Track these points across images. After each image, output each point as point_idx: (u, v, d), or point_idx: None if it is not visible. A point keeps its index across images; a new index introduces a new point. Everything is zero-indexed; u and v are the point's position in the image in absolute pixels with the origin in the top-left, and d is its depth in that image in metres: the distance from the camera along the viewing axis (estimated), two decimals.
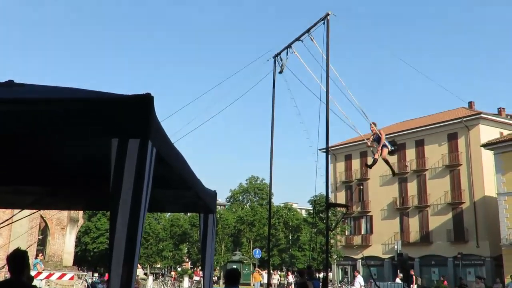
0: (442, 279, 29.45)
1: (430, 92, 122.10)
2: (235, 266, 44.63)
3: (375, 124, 14.63)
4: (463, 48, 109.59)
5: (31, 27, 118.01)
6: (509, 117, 51.58)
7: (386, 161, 14.93)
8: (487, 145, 41.32)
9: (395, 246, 34.75)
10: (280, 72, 17.34)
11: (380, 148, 14.21)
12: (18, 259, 4.07)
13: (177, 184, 3.76)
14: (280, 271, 59.88)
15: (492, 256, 43.28)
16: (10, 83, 3.01)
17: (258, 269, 39.09)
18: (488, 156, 43.04)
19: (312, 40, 16.38)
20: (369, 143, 14.76)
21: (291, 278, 31.87)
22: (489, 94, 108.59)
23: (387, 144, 14.13)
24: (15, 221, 16.83)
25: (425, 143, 50.51)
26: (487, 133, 45.49)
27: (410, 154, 51.76)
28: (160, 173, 2.82)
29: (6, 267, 4.14)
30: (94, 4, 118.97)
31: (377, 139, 14.36)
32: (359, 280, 25.32)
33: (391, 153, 14.48)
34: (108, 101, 2.43)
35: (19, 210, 6.25)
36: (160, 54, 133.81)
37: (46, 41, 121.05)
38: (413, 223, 50.66)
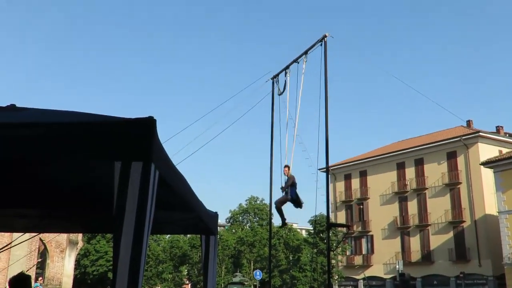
0: None
1: (428, 111, 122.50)
2: None
3: (288, 168, 14.13)
4: (461, 67, 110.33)
5: (26, 56, 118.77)
6: (507, 135, 51.74)
7: (279, 208, 14.41)
8: (487, 163, 41.35)
9: (397, 266, 34.57)
10: (280, 94, 17.44)
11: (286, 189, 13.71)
12: (20, 284, 4.06)
13: (179, 206, 3.76)
14: None
15: (494, 275, 42.96)
16: (12, 107, 3.04)
17: None
18: (487, 174, 43.03)
19: (304, 63, 16.53)
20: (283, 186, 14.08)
21: None
22: (487, 113, 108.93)
23: (289, 191, 13.54)
24: (15, 245, 16.74)
25: (425, 162, 50.53)
26: (486, 151, 45.58)
27: (410, 173, 51.75)
28: (162, 195, 2.83)
29: None
30: (93, 28, 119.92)
31: (289, 183, 13.72)
32: None
33: (292, 201, 13.84)
34: (111, 124, 2.44)
35: (20, 234, 6.23)
36: (159, 77, 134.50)
37: (47, 66, 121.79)
38: (414, 242, 50.40)
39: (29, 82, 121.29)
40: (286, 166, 14.20)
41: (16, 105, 3.03)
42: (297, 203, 13.75)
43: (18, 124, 2.48)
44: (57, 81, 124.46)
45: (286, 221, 15.09)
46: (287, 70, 17.74)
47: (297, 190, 13.63)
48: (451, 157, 48.41)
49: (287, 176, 13.71)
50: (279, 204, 13.95)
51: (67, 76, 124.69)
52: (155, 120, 2.43)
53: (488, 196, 44.14)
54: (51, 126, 2.45)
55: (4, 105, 3.04)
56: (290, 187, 13.42)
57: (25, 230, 6.45)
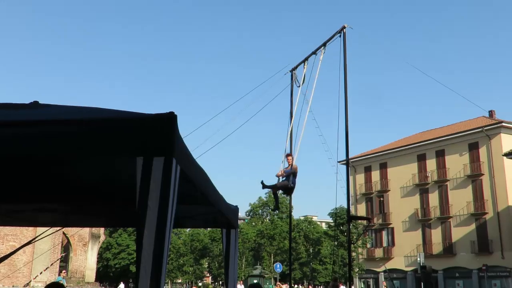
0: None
1: (450, 102, 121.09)
2: (255, 281, 44.43)
3: (292, 157, 13.98)
4: (483, 57, 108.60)
5: (46, 53, 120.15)
6: None
7: (275, 192, 14.36)
8: (510, 154, 40.73)
9: (418, 259, 34.27)
10: (299, 86, 17.36)
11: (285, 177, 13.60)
12: None
13: (200, 201, 3.78)
14: (301, 285, 59.40)
15: None
16: (35, 104, 3.07)
17: (279, 283, 38.81)
18: (510, 165, 42.39)
19: (321, 54, 16.43)
20: (279, 173, 14.01)
21: None
22: (510, 103, 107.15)
23: (291, 179, 13.44)
24: (39, 239, 17.04)
25: (446, 153, 49.97)
26: (509, 142, 44.89)
27: (431, 164, 51.23)
28: (183, 189, 2.84)
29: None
30: (113, 25, 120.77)
31: (289, 172, 13.63)
32: None
33: (287, 189, 13.73)
34: (133, 120, 2.46)
35: (45, 229, 6.33)
36: (179, 72, 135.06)
37: (66, 61, 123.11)
38: (436, 234, 49.98)
39: (36, 78, 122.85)
40: (288, 154, 14.12)
41: (39, 102, 3.07)
42: (290, 191, 13.88)
43: (42, 122, 2.52)
44: (75, 77, 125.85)
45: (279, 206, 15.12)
46: (305, 62, 17.66)
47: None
48: (473, 148, 47.78)
49: (290, 164, 13.62)
50: (277, 189, 13.95)
51: (84, 72, 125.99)
52: (176, 116, 2.45)
53: (511, 188, 43.50)
54: (74, 123, 2.48)
55: (26, 102, 3.08)
56: (292, 176, 13.38)
57: (48, 225, 6.55)
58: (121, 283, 44.84)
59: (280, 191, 14.92)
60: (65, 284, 24.77)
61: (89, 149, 2.44)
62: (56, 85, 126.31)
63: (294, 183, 13.41)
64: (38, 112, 2.78)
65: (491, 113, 51.55)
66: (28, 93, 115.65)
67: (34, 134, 2.43)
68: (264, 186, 13.78)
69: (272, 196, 15.14)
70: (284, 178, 13.70)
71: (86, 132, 2.43)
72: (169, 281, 61.70)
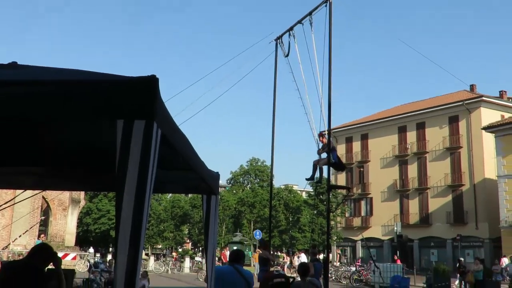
0: (395, 257, 28.68)
1: (432, 75, 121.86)
2: (235, 247, 44.98)
3: (323, 135, 14.06)
4: (465, 30, 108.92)
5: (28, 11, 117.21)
6: (510, 100, 51.54)
7: (319, 167, 14.50)
8: (488, 128, 41.35)
9: (395, 228, 34.95)
10: (286, 56, 17.22)
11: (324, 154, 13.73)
12: (40, 250, 4.17)
13: (180, 166, 3.77)
14: (280, 252, 60.30)
15: (491, 238, 43.61)
16: (14, 64, 3.01)
17: (259, 249, 39.31)
18: (489, 139, 43.11)
19: (310, 24, 16.26)
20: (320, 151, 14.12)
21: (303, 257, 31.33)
22: (491, 77, 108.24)
23: (331, 156, 13.55)
24: (18, 202, 16.94)
25: (426, 126, 50.52)
26: (489, 116, 45.50)
27: (411, 136, 51.81)
28: (164, 154, 2.83)
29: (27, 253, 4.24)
30: None
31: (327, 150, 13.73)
32: (302, 259, 26.21)
33: (333, 165, 13.86)
34: (113, 83, 2.43)
35: (22, 190, 6.29)
36: (161, 36, 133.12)
37: (47, 23, 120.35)
38: (413, 205, 50.92)
39: (23, 39, 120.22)
40: (320, 134, 14.17)
41: (18, 63, 3.01)
42: (339, 167, 14.04)
43: (20, 82, 2.47)
44: (55, 39, 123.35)
45: (316, 177, 15.10)
46: (291, 32, 17.50)
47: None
48: (453, 121, 48.35)
49: (323, 143, 13.79)
50: (319, 164, 14.11)
51: (65, 34, 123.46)
52: (157, 79, 2.42)
53: (488, 161, 44.33)
54: (53, 84, 2.44)
55: (5, 62, 3.01)
56: (332, 151, 13.49)
57: (27, 188, 6.51)
58: (91, 247, 44.96)
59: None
60: None
61: (69, 111, 2.41)
62: (36, 47, 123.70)
63: (335, 157, 13.57)
64: (16, 73, 2.72)
65: (472, 87, 52.05)
66: (7, 54, 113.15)
67: (11, 95, 2.38)
68: (310, 179, 14.21)
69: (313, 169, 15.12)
70: (325, 156, 13.86)
71: (66, 93, 2.39)
72: (149, 247, 62.13)
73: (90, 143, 3.95)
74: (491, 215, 42.62)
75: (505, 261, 32.30)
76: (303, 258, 27.85)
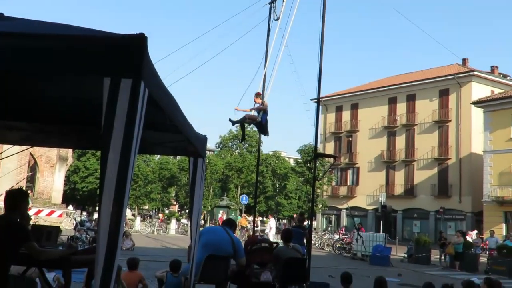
0: (358, 226, 28.77)
1: (425, 47, 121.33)
2: (221, 212, 45.44)
3: (259, 95, 13.69)
4: (460, 3, 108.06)
5: None
6: (501, 75, 51.59)
7: (243, 123, 14.12)
8: (478, 103, 41.52)
9: (380, 198, 35.36)
10: (277, 19, 17.01)
11: (254, 112, 13.43)
12: (12, 197, 4.14)
13: (168, 127, 3.77)
14: (266, 217, 61.02)
15: (473, 212, 44.33)
16: (0, 16, 2.95)
17: (244, 215, 39.74)
18: (477, 114, 43.33)
19: None
20: (240, 108, 13.72)
21: (272, 222, 31.48)
22: (484, 52, 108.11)
23: (260, 115, 13.27)
24: (5, 158, 16.87)
25: (416, 98, 50.59)
26: (479, 91, 45.62)
27: (401, 108, 51.91)
28: (151, 115, 2.83)
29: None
30: None
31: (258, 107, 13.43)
32: (271, 223, 26.67)
33: (258, 125, 13.60)
34: (101, 39, 2.40)
35: (10, 146, 6.26)
36: None
37: None
38: (399, 176, 51.42)
39: None
40: (257, 94, 13.58)
41: (4, 14, 2.95)
42: (264, 130, 13.62)
43: (6, 34, 2.42)
44: None
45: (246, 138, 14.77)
46: None
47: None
48: (443, 94, 48.43)
49: (259, 103, 13.27)
50: (246, 120, 13.66)
51: None
52: (146, 37, 2.39)
53: (475, 136, 44.66)
54: (40, 37, 2.40)
55: None
56: (263, 113, 13.19)
57: (15, 143, 6.48)
58: (70, 205, 44.91)
59: (254, 128, 14.68)
60: (31, 203, 24.86)
61: (56, 65, 2.38)
62: (27, 1, 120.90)
63: (264, 119, 13.24)
64: (2, 24, 2.67)
65: (464, 61, 51.98)
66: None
67: None
68: (233, 123, 13.61)
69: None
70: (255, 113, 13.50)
71: (53, 48, 2.35)
72: (136, 207, 62.48)
73: (78, 100, 3.92)
74: (475, 190, 43.23)
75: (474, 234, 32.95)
76: (272, 222, 28.27)
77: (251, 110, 13.39)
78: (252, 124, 14.15)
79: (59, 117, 4.71)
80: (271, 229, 25.25)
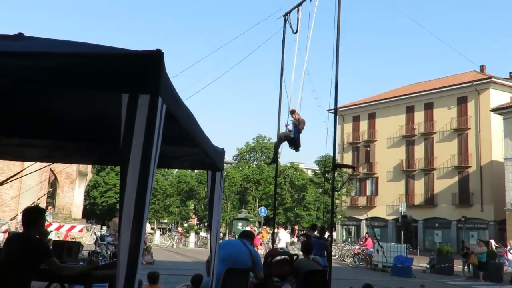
0: (366, 236, 28.36)
1: (441, 55, 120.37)
2: (240, 224, 45.36)
3: (295, 112, 13.74)
4: (476, 10, 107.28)
5: None
6: None
7: (278, 145, 14.22)
8: (497, 110, 41.02)
9: (400, 208, 35.00)
10: (295, 32, 17.02)
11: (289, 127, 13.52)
12: (30, 214, 4.18)
13: (185, 141, 3.79)
14: (285, 229, 60.75)
15: (495, 220, 43.61)
16: (20, 36, 3.00)
17: (265, 227, 39.56)
18: (497, 121, 42.80)
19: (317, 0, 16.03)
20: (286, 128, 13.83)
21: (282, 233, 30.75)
22: (501, 58, 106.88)
23: (293, 131, 13.35)
24: (26, 174, 17.08)
25: (434, 106, 50.18)
26: (498, 97, 45.10)
27: (419, 117, 51.52)
28: (169, 129, 2.84)
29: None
30: None
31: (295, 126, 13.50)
32: (281, 235, 26.08)
33: (290, 140, 13.69)
34: (119, 56, 2.42)
35: (31, 163, 6.33)
36: (169, 12, 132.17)
37: None
38: (419, 185, 50.89)
39: (30, 11, 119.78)
40: (293, 111, 13.72)
41: (24, 34, 3.00)
42: (296, 146, 13.66)
43: (27, 53, 2.47)
44: (62, 11, 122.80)
45: (278, 160, 14.83)
46: (299, 7, 17.31)
47: (308, 131, 13.50)
48: (462, 102, 47.97)
49: (296, 119, 13.41)
50: (281, 141, 13.81)
51: (73, 5, 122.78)
52: (162, 53, 2.41)
53: (495, 143, 44.08)
54: (59, 56, 2.44)
55: (11, 33, 3.01)
56: (295, 128, 13.27)
57: (35, 160, 6.56)
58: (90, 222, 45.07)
59: (273, 140, 14.91)
60: (52, 219, 25.09)
61: (74, 83, 2.41)
62: (42, 19, 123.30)
63: (296, 135, 13.31)
64: (22, 44, 2.72)
65: (481, 68, 51.48)
66: (13, 25, 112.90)
67: (18, 66, 2.38)
68: (276, 149, 14.01)
69: (274, 149, 14.93)
70: (287, 130, 13.63)
71: (72, 66, 2.39)
72: (155, 221, 62.65)
73: (97, 116, 3.97)
74: (497, 198, 42.56)
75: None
76: (282, 233, 27.84)
77: (286, 126, 13.61)
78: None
79: (78, 133, 4.76)
80: (280, 240, 24.81)
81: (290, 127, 13.56)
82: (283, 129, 14.42)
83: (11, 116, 4.17)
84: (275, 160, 15.42)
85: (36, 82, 2.42)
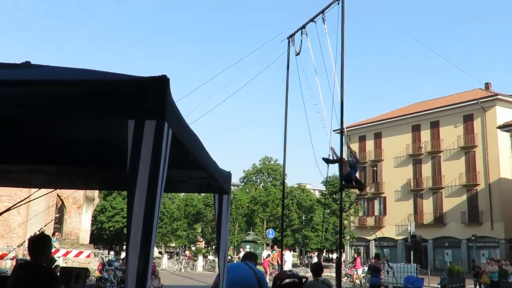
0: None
1: (446, 73, 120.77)
2: (248, 246, 45.03)
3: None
4: (480, 28, 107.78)
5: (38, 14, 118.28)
6: None
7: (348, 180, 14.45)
8: (504, 127, 40.92)
9: (409, 228, 34.71)
10: (297, 54, 17.17)
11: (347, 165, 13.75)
12: (37, 243, 4.17)
13: (192, 165, 3.79)
14: (293, 251, 60.31)
15: (506, 238, 43.14)
16: (27, 64, 3.04)
17: (278, 249, 39.20)
18: (504, 138, 42.64)
19: (323, 22, 16.21)
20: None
21: (288, 255, 30.63)
22: (507, 76, 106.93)
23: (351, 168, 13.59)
24: (33, 199, 17.10)
25: (441, 125, 50.11)
26: (504, 114, 45.02)
27: (425, 135, 51.43)
28: (175, 153, 2.85)
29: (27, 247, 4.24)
30: None
31: (353, 163, 13.77)
32: (286, 257, 25.90)
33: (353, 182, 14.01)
34: (124, 82, 2.44)
35: (37, 189, 6.34)
36: (173, 36, 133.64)
37: (57, 24, 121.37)
38: (427, 204, 50.53)
39: (36, 39, 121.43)
40: (332, 148, 14.09)
41: (31, 62, 3.04)
42: (358, 183, 14.02)
43: (33, 81, 2.50)
44: (68, 38, 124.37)
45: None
46: (303, 30, 17.47)
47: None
48: (468, 120, 47.89)
49: (354, 157, 13.77)
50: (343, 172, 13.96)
51: (78, 33, 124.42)
52: (168, 79, 2.43)
53: (503, 160, 43.84)
54: (65, 84, 2.46)
55: (18, 62, 3.05)
56: (354, 168, 13.55)
57: (41, 186, 6.57)
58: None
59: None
60: (59, 245, 25.01)
61: (81, 110, 2.43)
62: (48, 47, 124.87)
63: (354, 170, 13.58)
64: (29, 72, 2.75)
65: (487, 86, 51.50)
66: (20, 54, 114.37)
67: (25, 94, 2.41)
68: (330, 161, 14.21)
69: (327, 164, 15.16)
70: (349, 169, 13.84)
71: (78, 93, 2.41)
72: (163, 245, 62.45)
73: (103, 142, 3.98)
74: (507, 215, 42.17)
75: None
76: (287, 255, 27.60)
77: (333, 149, 13.86)
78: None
79: (84, 158, 4.78)
80: (285, 262, 24.54)
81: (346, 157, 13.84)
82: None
83: (18, 142, 4.20)
84: (331, 161, 15.13)
85: (43, 110, 2.44)
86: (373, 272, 18.35)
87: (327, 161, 14.40)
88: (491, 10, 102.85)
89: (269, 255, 33.37)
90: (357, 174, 14.05)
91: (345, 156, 13.91)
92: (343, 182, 14.18)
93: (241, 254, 36.01)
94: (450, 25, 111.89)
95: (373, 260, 19.94)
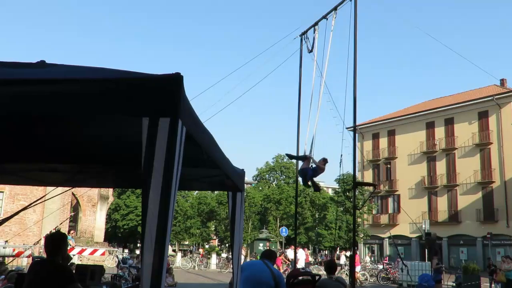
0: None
1: (461, 70, 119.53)
2: (261, 245, 45.05)
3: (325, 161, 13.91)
4: (495, 24, 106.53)
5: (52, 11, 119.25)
6: None
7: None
8: None
9: (423, 225, 34.48)
10: (310, 51, 17.12)
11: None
12: (53, 240, 4.21)
13: (205, 163, 3.80)
14: (307, 249, 60.23)
15: None
16: (42, 63, 3.07)
17: (294, 247, 39.09)
18: None
19: (333, 19, 16.16)
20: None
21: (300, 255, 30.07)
22: None
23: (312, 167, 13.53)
24: (48, 199, 17.28)
25: (455, 122, 49.67)
26: None
27: (439, 132, 51.00)
28: (189, 151, 2.85)
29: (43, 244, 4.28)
30: None
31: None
32: (299, 255, 25.69)
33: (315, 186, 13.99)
34: (139, 81, 2.45)
35: (53, 188, 6.40)
36: (187, 34, 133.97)
37: (69, 21, 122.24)
38: (442, 202, 50.14)
39: (50, 38, 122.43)
40: (326, 161, 13.88)
41: (46, 61, 3.06)
42: (314, 185, 13.94)
43: (48, 80, 2.51)
44: (81, 38, 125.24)
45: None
46: (315, 27, 17.41)
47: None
48: (483, 116, 47.42)
49: (322, 169, 13.60)
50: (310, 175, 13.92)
51: (93, 32, 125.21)
52: (182, 77, 2.44)
53: None
54: (80, 82, 2.48)
55: (33, 61, 3.07)
56: (314, 171, 13.43)
57: (56, 184, 6.63)
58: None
59: (292, 160, 15.21)
60: (74, 243, 25.23)
61: (95, 108, 2.44)
62: (63, 45, 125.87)
63: (310, 172, 13.47)
64: (44, 71, 2.78)
65: (502, 82, 50.93)
66: (35, 53, 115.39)
67: (40, 93, 2.43)
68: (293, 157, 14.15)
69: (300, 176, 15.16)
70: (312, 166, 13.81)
71: (93, 91, 2.43)
72: (177, 243, 62.64)
73: (117, 140, 4.00)
74: None
75: None
76: (300, 253, 27.39)
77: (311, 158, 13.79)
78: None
79: (99, 157, 4.81)
80: (298, 260, 24.49)
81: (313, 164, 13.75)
82: (302, 147, 14.50)
83: (33, 141, 4.24)
84: (293, 157, 15.24)
85: (59, 108, 2.46)
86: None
87: (290, 157, 14.42)
88: (507, 5, 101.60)
89: (282, 253, 33.34)
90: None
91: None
92: (300, 178, 14.17)
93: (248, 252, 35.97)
94: (465, 21, 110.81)
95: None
